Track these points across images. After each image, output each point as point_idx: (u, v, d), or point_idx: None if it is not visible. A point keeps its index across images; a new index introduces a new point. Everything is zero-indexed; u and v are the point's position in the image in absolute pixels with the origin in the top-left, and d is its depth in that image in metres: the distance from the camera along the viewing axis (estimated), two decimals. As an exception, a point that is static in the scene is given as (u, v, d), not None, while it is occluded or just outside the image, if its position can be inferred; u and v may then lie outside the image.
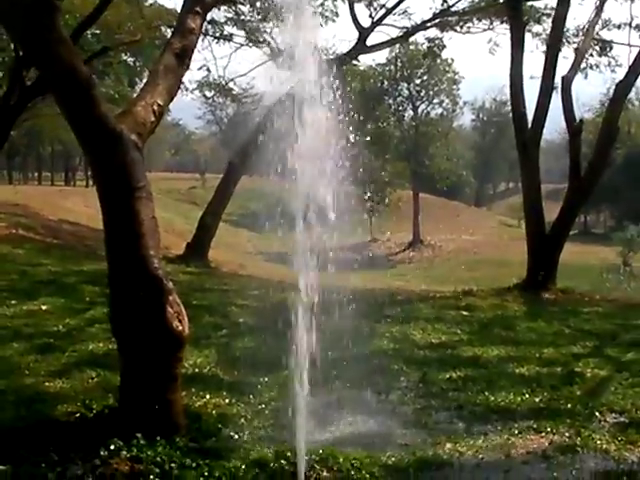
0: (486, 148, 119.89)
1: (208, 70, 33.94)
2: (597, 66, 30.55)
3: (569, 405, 10.21)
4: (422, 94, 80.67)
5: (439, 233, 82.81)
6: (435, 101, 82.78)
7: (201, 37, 32.04)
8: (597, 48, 29.67)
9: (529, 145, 23.58)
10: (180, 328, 7.80)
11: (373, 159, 76.39)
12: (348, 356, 11.79)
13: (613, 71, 30.73)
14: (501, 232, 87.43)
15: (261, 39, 32.53)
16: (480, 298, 20.80)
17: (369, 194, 74.65)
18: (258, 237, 79.38)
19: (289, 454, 7.71)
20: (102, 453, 7.21)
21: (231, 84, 36.22)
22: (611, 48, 29.92)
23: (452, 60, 77.93)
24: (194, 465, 7.27)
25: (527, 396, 10.57)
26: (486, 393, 10.64)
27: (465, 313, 17.87)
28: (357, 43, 29.68)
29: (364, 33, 29.61)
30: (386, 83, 77.85)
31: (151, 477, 7.01)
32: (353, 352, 12.04)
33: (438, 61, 67.77)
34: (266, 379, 11.02)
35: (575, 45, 29.27)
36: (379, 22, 30.21)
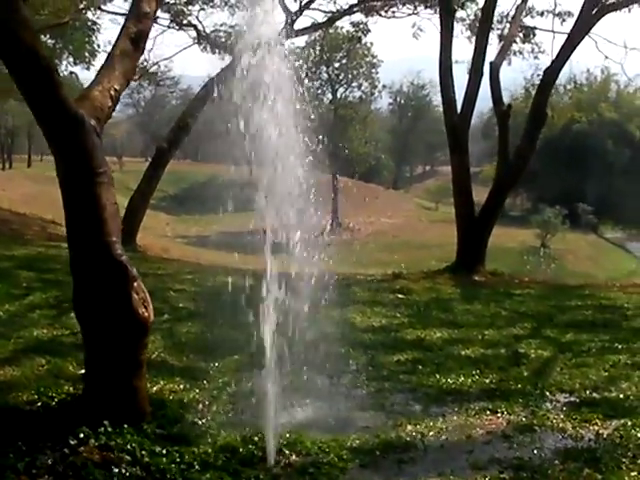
0: (403, 131, 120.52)
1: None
2: (521, 52, 30.97)
3: (519, 385, 10.41)
4: (341, 77, 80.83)
5: (358, 216, 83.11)
6: (354, 84, 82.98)
7: (124, 20, 31.66)
8: (521, 35, 30.03)
9: (458, 129, 23.85)
10: (146, 314, 7.75)
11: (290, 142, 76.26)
12: (293, 340, 11.81)
13: (536, 57, 31.20)
14: (419, 215, 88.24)
15: (185, 22, 32.20)
16: (412, 281, 21.03)
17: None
18: (176, 220, 78.98)
19: (256, 439, 7.73)
20: (71, 442, 7.11)
21: (155, 68, 35.65)
22: (534, 35, 30.34)
23: (371, 44, 78.13)
24: (164, 452, 7.21)
25: (477, 377, 10.74)
26: (437, 375, 10.79)
27: (401, 296, 18.04)
28: (284, 27, 29.53)
29: (291, 17, 29.54)
30: (305, 66, 77.64)
31: (123, 465, 6.94)
32: (297, 336, 12.05)
33: (358, 45, 67.97)
34: (216, 364, 11.04)
35: (499, 31, 29.63)
36: (307, 6, 30.21)
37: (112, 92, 8.74)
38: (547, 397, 9.93)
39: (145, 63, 33.32)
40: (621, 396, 10.00)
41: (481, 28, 24.34)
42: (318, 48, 74.21)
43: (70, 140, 7.77)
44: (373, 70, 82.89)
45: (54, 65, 7.84)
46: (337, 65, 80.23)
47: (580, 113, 73.33)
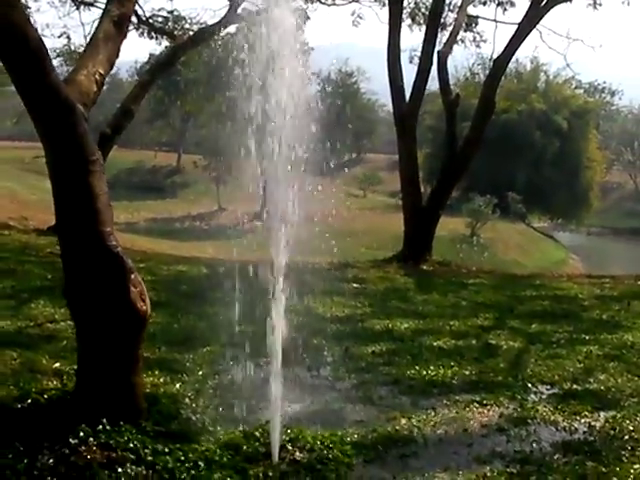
0: (331, 119, 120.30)
1: (68, 38, 32.63)
2: (462, 41, 31.06)
3: (499, 377, 10.40)
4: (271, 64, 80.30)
5: (286, 203, 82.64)
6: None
7: (60, 3, 30.95)
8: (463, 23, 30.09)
9: (407, 118, 23.87)
10: (144, 308, 7.50)
11: (221, 129, 75.94)
12: (262, 332, 11.64)
13: (478, 46, 31.36)
14: (347, 202, 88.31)
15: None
16: (362, 270, 21.05)
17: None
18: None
19: (257, 434, 7.58)
20: (72, 441, 6.87)
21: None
22: (477, 24, 30.47)
23: (302, 31, 77.81)
24: (167, 450, 6.99)
25: (456, 369, 10.70)
26: (416, 367, 10.72)
27: (356, 285, 18.00)
28: (228, 12, 29.16)
29: (235, 2, 29.16)
30: (235, 53, 76.83)
31: (127, 465, 6.72)
32: (264, 327, 11.85)
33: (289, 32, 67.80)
34: (190, 356, 10.92)
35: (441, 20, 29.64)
36: (249, -8, 29.80)
37: (97, 77, 8.53)
38: (530, 389, 9.94)
39: (81, 48, 32.64)
40: (602, 388, 10.05)
41: (432, 17, 24.41)
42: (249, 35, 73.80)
43: (62, 127, 7.47)
44: (304, 57, 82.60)
45: (45, 49, 7.48)
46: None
47: (510, 103, 73.95)
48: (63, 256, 7.71)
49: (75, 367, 9.34)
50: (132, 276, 7.51)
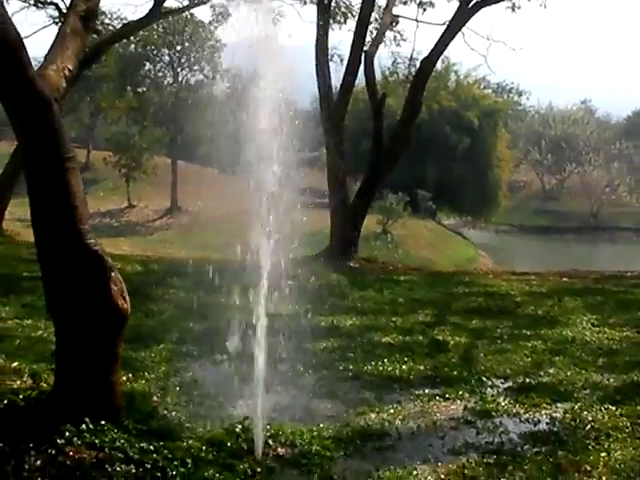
0: (238, 117, 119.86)
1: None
2: (383, 41, 31.30)
3: (454, 372, 10.64)
4: (183, 60, 79.58)
5: (197, 200, 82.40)
6: (196, 68, 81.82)
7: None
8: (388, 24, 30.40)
9: (336, 116, 24.07)
10: (125, 306, 7.49)
11: (131, 125, 75.07)
12: (209, 328, 11.68)
13: (399, 45, 31.67)
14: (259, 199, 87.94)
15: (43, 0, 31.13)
16: (291, 267, 21.04)
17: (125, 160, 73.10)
18: (13, 203, 76.42)
19: (238, 430, 7.66)
20: (58, 441, 6.85)
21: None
22: (397, 23, 30.77)
23: (215, 27, 77.16)
24: (152, 448, 7.02)
25: (411, 364, 10.93)
26: (372, 363, 10.91)
27: (290, 283, 17.97)
28: (152, 9, 28.88)
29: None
30: (147, 48, 76.03)
31: (117, 464, 6.73)
32: (212, 324, 11.87)
33: (201, 29, 67.88)
34: (146, 353, 10.93)
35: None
36: (174, -12, 29.73)
37: (66, 72, 8.50)
38: (486, 383, 10.23)
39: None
40: (554, 381, 10.40)
41: (362, 17, 24.65)
42: (161, 30, 73.17)
43: (38, 122, 7.38)
44: (215, 54, 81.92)
45: (22, 41, 7.37)
46: (179, 48, 78.94)
47: (429, 103, 74.31)
48: (40, 254, 7.64)
49: (35, 366, 9.34)
50: (112, 274, 7.50)
